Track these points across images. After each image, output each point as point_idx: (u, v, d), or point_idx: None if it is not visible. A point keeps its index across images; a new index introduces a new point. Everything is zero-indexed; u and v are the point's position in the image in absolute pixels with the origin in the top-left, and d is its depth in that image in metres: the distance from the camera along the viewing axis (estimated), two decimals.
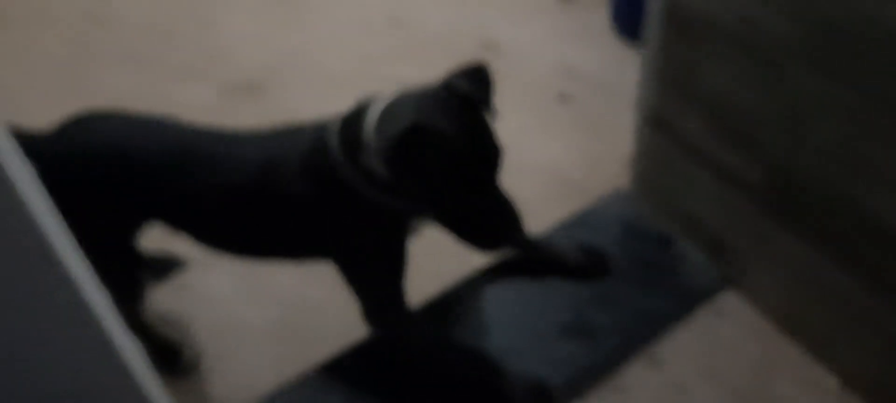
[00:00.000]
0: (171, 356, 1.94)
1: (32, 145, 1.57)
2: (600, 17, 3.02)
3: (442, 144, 1.29)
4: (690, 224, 1.96)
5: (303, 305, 2.09)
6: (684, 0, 1.64)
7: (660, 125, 1.89)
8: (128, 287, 1.82)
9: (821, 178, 1.51)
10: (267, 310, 2.08)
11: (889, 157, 1.35)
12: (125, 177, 1.58)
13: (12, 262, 0.74)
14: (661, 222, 2.05)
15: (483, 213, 1.41)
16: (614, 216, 2.10)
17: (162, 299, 2.11)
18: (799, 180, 1.56)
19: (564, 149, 2.49)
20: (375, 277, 1.61)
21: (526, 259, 1.98)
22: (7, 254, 0.74)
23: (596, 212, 2.12)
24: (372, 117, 1.38)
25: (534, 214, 2.29)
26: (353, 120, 1.42)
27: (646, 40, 1.84)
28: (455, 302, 1.95)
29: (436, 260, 2.13)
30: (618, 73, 2.75)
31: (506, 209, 1.41)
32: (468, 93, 1.34)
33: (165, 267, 2.17)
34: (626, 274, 1.93)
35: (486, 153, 1.36)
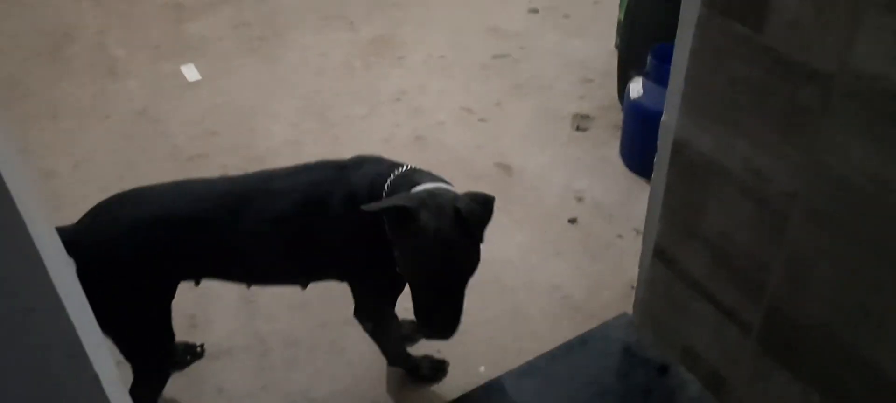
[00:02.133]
0: None
1: (63, 237, 1.60)
2: (612, 150, 3.05)
3: (418, 234, 1.46)
4: (689, 355, 1.91)
5: (306, 397, 2.03)
6: (692, 144, 1.65)
7: (663, 258, 1.88)
8: (158, 369, 1.80)
9: (822, 325, 1.46)
10: (273, 398, 2.04)
11: (894, 310, 1.32)
12: (164, 237, 1.59)
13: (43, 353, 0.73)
14: (661, 350, 2.00)
15: (427, 302, 1.54)
16: (616, 340, 2.05)
17: (177, 387, 2.07)
18: (799, 325, 1.52)
19: (571, 271, 2.47)
20: (378, 291, 1.79)
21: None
22: (38, 345, 0.73)
23: (598, 336, 2.07)
24: (413, 186, 1.57)
25: (540, 330, 2.27)
26: (403, 180, 1.61)
27: (654, 177, 1.85)
28: None
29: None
30: (626, 204, 2.75)
31: (441, 314, 1.54)
32: (467, 214, 1.48)
33: (185, 354, 2.15)
34: (625, 399, 1.87)
35: (450, 264, 1.51)
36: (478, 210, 1.51)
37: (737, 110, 1.49)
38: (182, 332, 2.19)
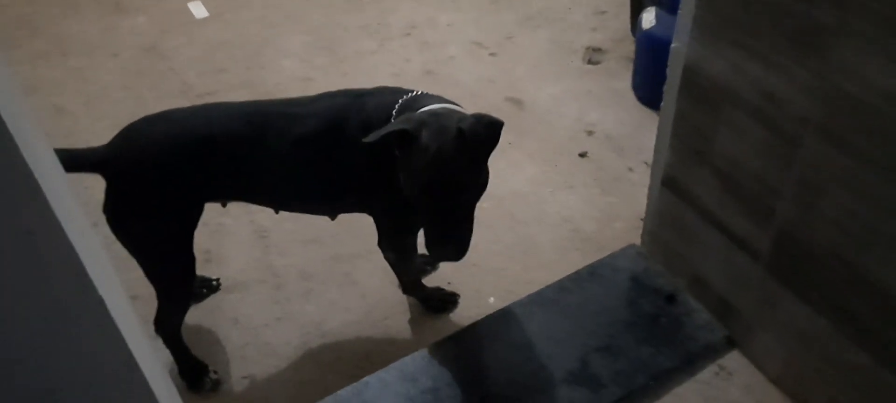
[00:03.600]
0: (197, 375, 1.92)
1: (93, 157, 1.60)
2: (623, 83, 2.99)
3: (419, 154, 1.47)
4: (698, 283, 1.90)
5: (322, 333, 2.06)
6: (703, 69, 1.61)
7: (672, 187, 1.85)
8: (183, 294, 1.83)
9: (832, 249, 1.44)
10: (290, 336, 2.06)
11: None
12: (192, 155, 1.60)
13: (44, 275, 0.73)
14: (669, 279, 1.99)
15: (433, 222, 1.52)
16: (625, 270, 2.04)
17: (194, 319, 2.11)
18: (809, 249, 1.50)
19: (582, 204, 2.45)
20: (398, 220, 1.78)
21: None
22: (39, 268, 0.72)
23: (607, 265, 2.06)
24: (419, 109, 1.56)
25: (550, 261, 2.27)
26: (411, 104, 1.61)
27: (663, 105, 1.81)
28: (466, 341, 1.91)
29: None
30: (637, 136, 2.71)
31: (448, 234, 1.52)
32: (470, 135, 1.46)
33: (201, 287, 2.17)
34: (633, 327, 1.87)
35: (452, 184, 1.49)
36: (482, 132, 1.48)
37: (749, 32, 1.44)
38: (198, 267, 2.20)
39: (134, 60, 3.25)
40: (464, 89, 2.99)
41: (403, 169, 1.53)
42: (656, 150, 1.92)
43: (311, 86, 3.01)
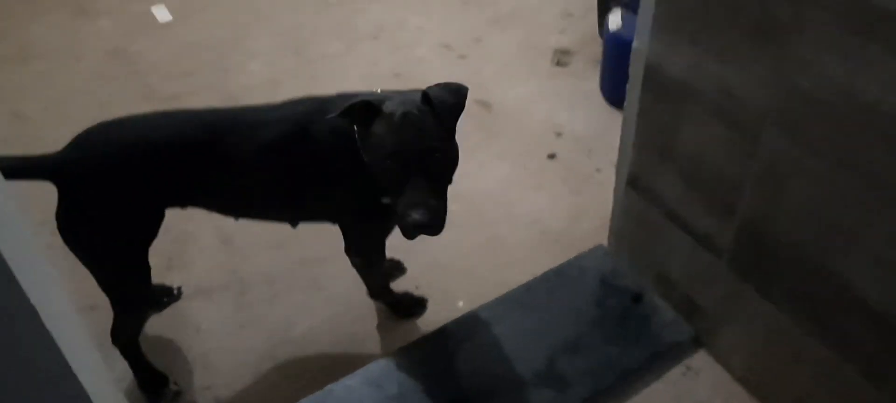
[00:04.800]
0: (156, 386, 1.87)
1: (44, 164, 1.54)
2: (591, 84, 3.00)
3: (384, 124, 1.44)
4: (663, 282, 1.90)
5: (288, 338, 2.03)
6: (663, 67, 1.60)
7: (637, 186, 1.85)
8: (139, 304, 1.78)
9: (792, 243, 1.45)
10: (254, 343, 2.02)
11: (862, 224, 1.29)
12: (149, 161, 1.55)
13: None
14: (635, 279, 1.99)
15: (404, 190, 1.45)
16: (592, 270, 2.03)
17: (156, 327, 2.06)
18: (770, 244, 1.50)
19: (550, 203, 2.45)
20: (367, 228, 1.75)
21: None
22: None
23: (575, 266, 2.05)
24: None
25: (518, 262, 2.25)
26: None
27: (626, 105, 1.80)
28: (433, 344, 1.89)
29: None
30: (605, 137, 2.71)
31: (423, 198, 1.44)
32: (435, 100, 1.45)
33: (162, 296, 2.12)
34: (600, 326, 1.87)
35: (421, 144, 1.44)
36: (447, 96, 1.46)
37: (708, 29, 1.44)
38: (161, 274, 2.16)
39: (97, 64, 3.18)
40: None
41: (367, 145, 1.49)
42: (620, 150, 1.91)
43: (278, 89, 2.97)
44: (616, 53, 2.78)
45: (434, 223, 1.45)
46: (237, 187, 1.68)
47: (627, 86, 1.76)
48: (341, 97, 1.66)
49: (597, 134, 2.75)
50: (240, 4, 3.62)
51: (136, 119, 1.64)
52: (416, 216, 1.42)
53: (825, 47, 1.22)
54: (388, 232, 1.81)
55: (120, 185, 1.56)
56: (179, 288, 2.15)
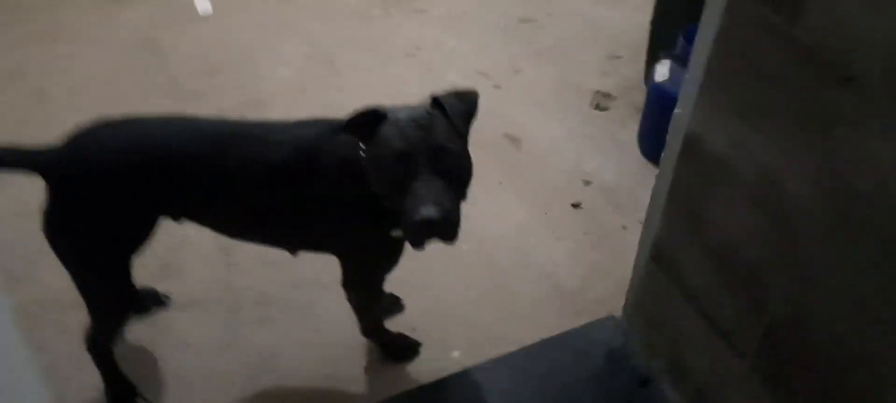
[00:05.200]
0: (124, 398, 1.77)
1: (37, 158, 1.45)
2: (629, 134, 2.83)
3: (391, 127, 1.35)
4: (676, 369, 1.73)
5: (271, 366, 1.91)
6: (704, 139, 1.45)
7: (660, 259, 1.69)
8: (117, 314, 1.68)
9: (826, 356, 1.28)
10: (236, 365, 1.91)
11: None
12: (146, 171, 1.46)
13: None
14: (646, 360, 1.82)
15: (413, 190, 1.33)
16: (600, 343, 1.87)
17: (139, 334, 1.96)
18: (800, 350, 1.33)
19: (567, 257, 2.29)
20: (369, 264, 1.65)
21: None
22: None
23: (583, 335, 1.90)
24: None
25: (524, 317, 2.10)
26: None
27: (660, 170, 1.65)
28: (420, 400, 1.75)
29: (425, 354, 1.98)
30: (635, 191, 2.55)
31: (435, 198, 1.31)
32: (446, 102, 1.38)
33: (149, 302, 2.02)
34: None
35: (432, 144, 1.34)
36: (457, 101, 1.40)
37: (758, 109, 1.29)
38: (154, 278, 2.07)
39: (127, 52, 3.13)
40: None
41: (373, 154, 1.38)
42: (647, 217, 1.75)
43: (302, 97, 2.88)
44: (659, 106, 2.62)
45: (448, 222, 1.32)
46: (236, 207, 1.57)
47: (664, 152, 1.61)
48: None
49: (628, 187, 2.59)
50: (283, 6, 3.54)
51: (139, 121, 1.54)
52: (427, 211, 1.28)
53: (888, 147, 1.05)
54: (390, 269, 1.69)
55: (111, 190, 1.46)
56: (167, 296, 2.05)
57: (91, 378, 1.77)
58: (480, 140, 2.78)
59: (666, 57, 2.69)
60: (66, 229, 1.48)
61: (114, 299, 1.63)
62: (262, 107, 2.82)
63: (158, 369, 1.89)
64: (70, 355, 1.82)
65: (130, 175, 1.46)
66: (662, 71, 2.65)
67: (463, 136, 1.42)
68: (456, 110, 1.39)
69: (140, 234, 1.57)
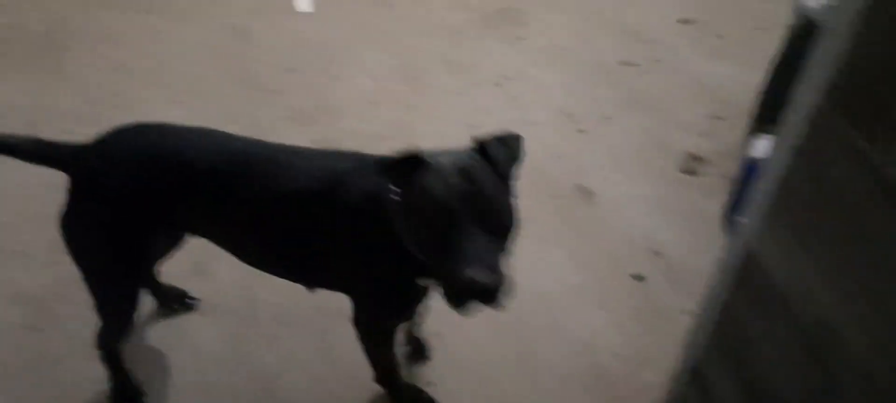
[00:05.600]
0: (129, 400, 1.73)
1: (65, 153, 1.42)
2: (715, 206, 2.54)
3: (435, 177, 1.23)
4: None
5: (271, 392, 1.81)
6: (764, 264, 1.21)
7: (698, 380, 1.44)
8: (126, 316, 1.64)
9: None
10: (238, 383, 1.82)
11: None
12: (165, 180, 1.42)
13: None
14: None
15: (459, 251, 1.17)
16: None
17: (155, 337, 1.92)
18: None
19: (614, 334, 2.06)
20: (385, 308, 1.53)
21: None
22: None
23: None
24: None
25: (552, 395, 1.90)
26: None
27: (713, 283, 1.41)
28: None
29: None
30: (708, 275, 2.27)
31: (480, 257, 1.17)
32: (488, 146, 1.28)
33: (174, 301, 1.99)
34: None
35: (479, 208, 1.21)
36: (499, 147, 1.28)
37: (828, 245, 1.04)
38: (183, 276, 2.02)
39: (216, 36, 3.15)
40: (531, 159, 2.61)
41: (411, 203, 1.26)
42: (692, 333, 1.52)
43: (375, 112, 2.78)
44: (752, 186, 2.32)
45: (499, 289, 1.17)
46: (254, 232, 1.50)
47: (718, 262, 1.37)
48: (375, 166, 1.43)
49: (700, 268, 2.29)
50: (380, 13, 3.48)
51: (171, 131, 1.49)
52: (477, 275, 1.14)
53: None
54: (406, 318, 1.56)
55: (130, 196, 1.43)
56: (195, 299, 2.01)
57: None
58: (548, 185, 2.61)
59: (769, 131, 2.39)
60: (81, 228, 1.46)
61: (122, 303, 1.60)
62: (332, 115, 2.75)
63: (161, 372, 1.84)
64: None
65: (150, 183, 1.42)
66: (762, 147, 2.35)
67: (508, 186, 1.29)
68: (502, 157, 1.28)
69: (156, 244, 1.54)
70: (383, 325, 1.60)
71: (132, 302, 1.60)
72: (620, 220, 2.46)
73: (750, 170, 2.35)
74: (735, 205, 2.47)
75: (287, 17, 3.34)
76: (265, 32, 3.20)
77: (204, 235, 1.56)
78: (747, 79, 3.11)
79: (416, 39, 3.30)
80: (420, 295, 1.48)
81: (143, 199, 1.43)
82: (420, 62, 3.14)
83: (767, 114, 2.57)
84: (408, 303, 1.50)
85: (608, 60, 3.29)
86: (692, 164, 2.76)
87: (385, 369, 1.74)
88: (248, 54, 3.04)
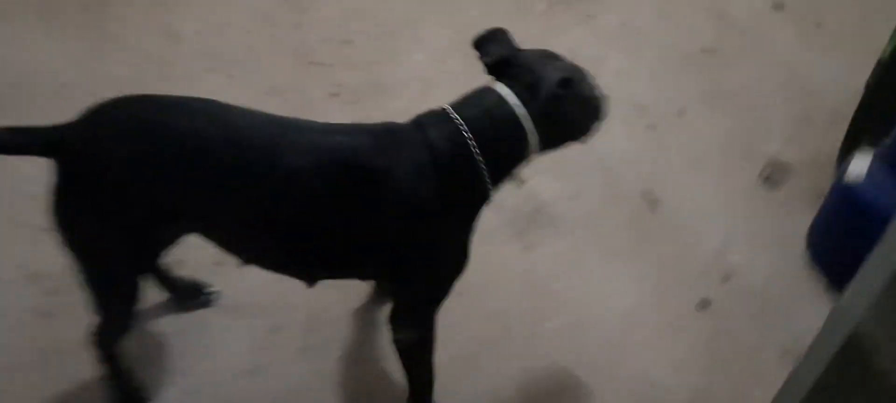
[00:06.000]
0: (128, 398, 1.62)
1: (46, 137, 1.29)
2: (800, 226, 2.24)
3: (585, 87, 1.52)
4: None
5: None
6: (880, 350, 0.98)
7: None
8: (126, 313, 1.51)
9: None
10: (256, 395, 1.70)
11: None
12: (162, 162, 1.28)
13: None
14: None
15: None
16: None
17: (170, 333, 1.80)
18: None
19: (674, 369, 1.84)
20: (437, 288, 1.47)
21: None
22: None
23: None
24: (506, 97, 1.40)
25: None
26: (484, 107, 1.41)
27: (807, 357, 1.18)
28: None
29: None
30: (787, 307, 2.02)
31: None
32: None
33: (189, 297, 1.84)
34: None
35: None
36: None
37: None
38: (203, 271, 1.88)
39: (269, 2, 2.96)
40: (594, 159, 2.37)
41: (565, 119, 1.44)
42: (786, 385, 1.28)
43: (429, 92, 2.56)
44: (843, 212, 2.03)
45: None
46: (263, 223, 1.36)
47: (813, 341, 1.13)
48: (419, 125, 1.39)
49: (778, 297, 2.06)
50: None
51: (164, 102, 1.34)
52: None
53: None
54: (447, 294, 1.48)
55: (120, 180, 1.30)
56: (213, 294, 1.87)
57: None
58: (611, 189, 2.36)
59: (870, 145, 2.08)
60: (72, 217, 1.34)
61: (120, 298, 1.48)
62: (383, 94, 2.55)
63: (169, 378, 1.72)
64: None
65: (146, 165, 1.28)
66: (859, 166, 2.04)
67: None
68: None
69: (156, 233, 1.42)
70: (431, 311, 1.49)
71: (132, 298, 1.48)
72: (688, 235, 2.21)
73: (841, 194, 2.05)
74: (820, 232, 2.18)
75: None
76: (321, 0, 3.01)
77: (203, 230, 1.41)
78: (847, 78, 2.74)
79: (479, 12, 3.04)
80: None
81: (137, 183, 1.30)
82: None
83: (867, 125, 2.24)
84: (467, 255, 1.44)
85: (688, 46, 2.96)
86: (775, 173, 2.45)
87: (427, 383, 1.60)
88: (300, 23, 2.85)
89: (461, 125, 1.35)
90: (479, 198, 1.40)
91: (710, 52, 2.94)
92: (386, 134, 1.37)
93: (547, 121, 1.38)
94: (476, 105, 1.39)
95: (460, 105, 1.40)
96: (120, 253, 1.39)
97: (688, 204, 2.31)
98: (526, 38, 2.83)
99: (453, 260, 1.43)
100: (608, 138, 2.52)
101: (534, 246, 2.12)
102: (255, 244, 1.43)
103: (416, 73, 2.67)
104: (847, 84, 2.71)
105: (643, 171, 2.40)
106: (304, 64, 2.64)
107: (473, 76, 2.74)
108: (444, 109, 1.39)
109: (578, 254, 2.10)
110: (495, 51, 1.49)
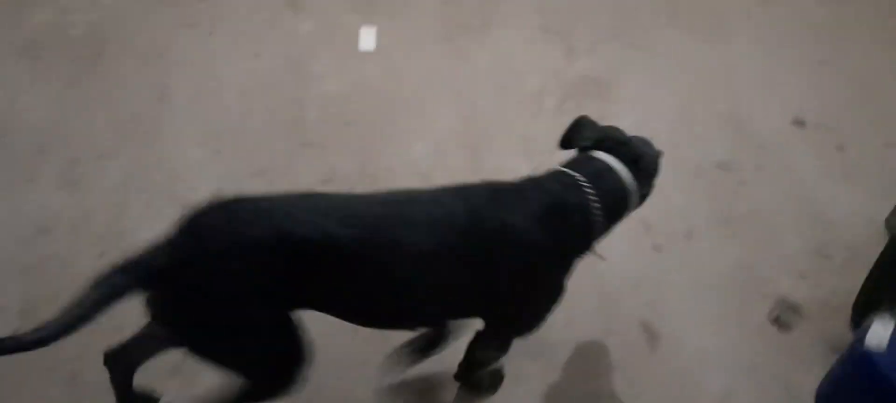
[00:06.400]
0: None
1: (146, 270, 1.19)
2: (808, 377, 2.03)
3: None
4: None
5: None
6: None
7: None
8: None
9: None
10: None
11: None
12: (286, 267, 1.25)
13: None
14: None
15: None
16: None
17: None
18: None
19: None
20: (545, 309, 1.63)
21: None
22: None
23: None
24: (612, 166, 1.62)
25: None
26: (596, 169, 1.61)
27: None
28: None
29: None
30: None
31: None
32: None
33: None
34: None
35: None
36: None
37: None
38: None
39: (270, 68, 2.84)
40: (594, 281, 2.20)
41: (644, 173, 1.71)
42: None
43: (424, 185, 2.42)
44: (861, 380, 1.83)
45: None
46: (399, 293, 1.42)
47: None
48: (534, 181, 1.57)
49: None
50: (446, 65, 3.06)
51: (268, 205, 1.28)
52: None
53: None
54: None
55: (246, 296, 1.24)
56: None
57: None
58: (608, 317, 2.16)
59: (892, 311, 1.89)
60: (198, 336, 1.30)
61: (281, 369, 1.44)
62: (376, 183, 2.41)
63: None
64: None
65: (265, 272, 1.24)
66: (879, 332, 1.84)
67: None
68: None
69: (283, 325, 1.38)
70: (526, 334, 1.69)
71: (292, 367, 1.43)
72: (688, 381, 2.03)
73: (858, 362, 1.85)
74: (832, 391, 1.99)
75: (348, 58, 2.99)
76: (324, 72, 2.87)
77: (324, 310, 1.43)
78: (868, 210, 2.58)
79: (487, 102, 2.91)
80: None
81: (258, 294, 1.26)
82: (485, 130, 2.75)
83: (888, 283, 2.06)
84: (564, 290, 1.61)
85: (702, 159, 2.80)
86: (786, 314, 2.27)
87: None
88: (300, 95, 2.72)
89: (582, 181, 1.53)
90: (586, 247, 1.59)
91: (725, 168, 2.78)
92: (498, 190, 1.51)
93: (641, 185, 1.65)
94: (588, 167, 1.59)
95: (574, 167, 1.60)
96: (265, 341, 1.35)
97: (687, 345, 2.13)
98: (531, 136, 2.68)
99: (555, 296, 1.60)
100: (610, 257, 2.36)
101: (519, 378, 1.95)
102: (375, 312, 1.49)
103: (413, 166, 2.53)
104: (867, 218, 2.56)
105: (644, 299, 2.23)
106: (297, 144, 2.50)
107: (473, 173, 2.59)
108: (562, 170, 1.59)
109: (564, 396, 1.93)
110: (589, 135, 1.70)
